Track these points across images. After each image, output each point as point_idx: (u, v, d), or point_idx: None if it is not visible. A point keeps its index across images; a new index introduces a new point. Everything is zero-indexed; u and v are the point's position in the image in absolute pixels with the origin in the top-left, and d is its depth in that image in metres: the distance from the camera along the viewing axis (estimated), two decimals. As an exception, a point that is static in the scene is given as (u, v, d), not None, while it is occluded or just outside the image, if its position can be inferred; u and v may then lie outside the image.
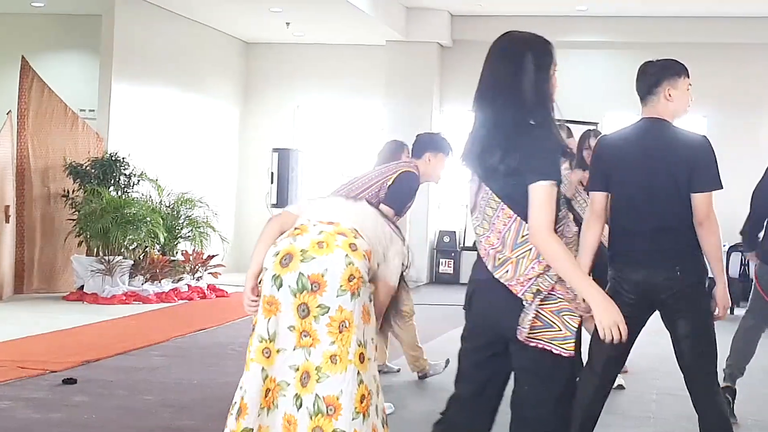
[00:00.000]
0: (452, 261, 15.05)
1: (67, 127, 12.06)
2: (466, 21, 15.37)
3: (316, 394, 3.50)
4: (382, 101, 15.27)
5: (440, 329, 9.36)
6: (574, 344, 3.09)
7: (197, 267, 12.04)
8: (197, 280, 12.02)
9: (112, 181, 11.63)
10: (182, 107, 14.19)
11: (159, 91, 13.66)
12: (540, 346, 3.07)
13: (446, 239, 15.07)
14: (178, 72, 14.11)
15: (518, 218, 3.08)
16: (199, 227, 12.28)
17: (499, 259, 3.09)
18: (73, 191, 11.55)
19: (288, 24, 14.39)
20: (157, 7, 13.21)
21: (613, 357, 4.27)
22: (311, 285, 3.53)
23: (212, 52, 15.30)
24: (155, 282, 11.43)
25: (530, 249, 3.06)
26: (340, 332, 3.53)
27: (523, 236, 3.07)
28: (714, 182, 4.16)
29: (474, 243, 3.24)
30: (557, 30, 15.17)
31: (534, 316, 3.03)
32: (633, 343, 4.25)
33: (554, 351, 3.07)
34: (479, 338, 3.22)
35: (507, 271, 3.07)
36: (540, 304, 3.05)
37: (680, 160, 4.15)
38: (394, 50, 15.19)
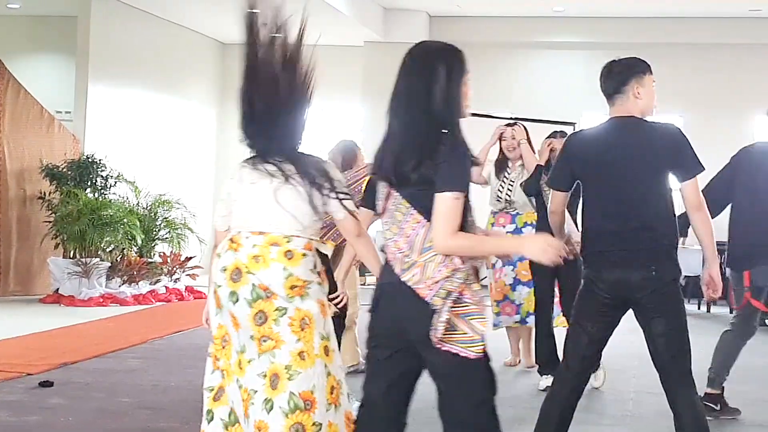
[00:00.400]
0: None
1: (44, 128, 11.99)
2: (445, 22, 15.39)
3: (291, 392, 3.56)
4: (360, 102, 15.27)
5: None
6: (483, 347, 3.09)
7: (175, 269, 12.00)
8: (175, 281, 11.98)
9: (89, 183, 11.58)
10: (159, 108, 14.13)
11: (135, 92, 13.60)
12: (450, 349, 3.07)
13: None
14: (154, 73, 14.05)
15: (427, 223, 3.11)
16: (176, 229, 12.24)
17: (407, 263, 3.11)
18: (50, 193, 11.49)
19: (264, 24, 14.34)
20: (133, 8, 13.15)
21: (587, 356, 4.28)
22: (264, 293, 3.61)
23: (189, 53, 15.25)
24: (132, 284, 11.38)
25: (437, 252, 3.09)
26: (302, 330, 3.61)
27: (431, 241, 3.10)
28: (697, 166, 4.21)
29: (388, 240, 3.23)
30: (535, 31, 15.27)
31: (446, 318, 3.04)
32: (606, 341, 4.28)
33: (461, 354, 3.07)
34: (386, 341, 3.20)
35: (414, 275, 3.08)
36: (450, 307, 3.05)
37: (661, 154, 4.18)
38: (372, 51, 15.19)
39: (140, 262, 11.61)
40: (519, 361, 7.61)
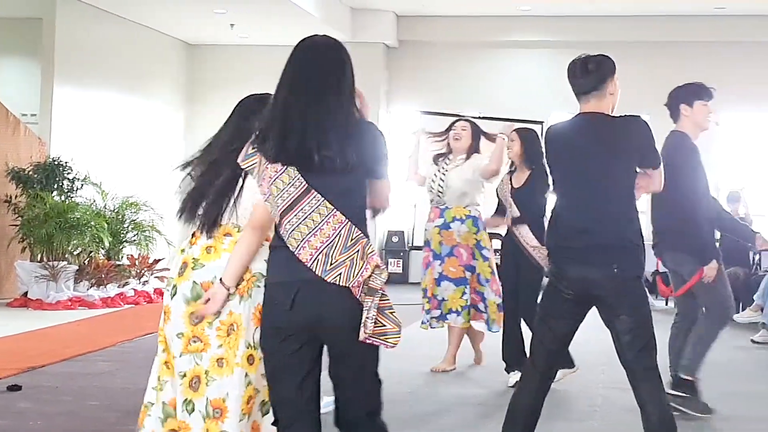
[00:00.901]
0: (401, 260, 15.10)
1: (9, 131, 11.88)
2: (412, 21, 15.43)
3: (207, 398, 3.57)
4: (329, 102, 15.25)
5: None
6: (400, 338, 3.23)
7: (143, 271, 11.95)
8: (143, 284, 11.92)
9: (56, 186, 11.50)
10: (125, 110, 14.07)
11: (101, 94, 13.53)
12: (373, 342, 3.18)
13: (395, 239, 15.12)
14: (120, 75, 13.98)
15: (349, 222, 3.17)
16: (144, 231, 12.19)
17: (331, 263, 3.15)
18: (16, 196, 11.40)
19: (232, 25, 14.33)
20: (99, 9, 13.07)
21: (553, 351, 4.32)
22: (204, 292, 3.59)
23: (155, 55, 15.18)
24: (101, 287, 11.32)
25: (358, 251, 3.15)
26: (228, 335, 3.58)
27: (352, 239, 3.16)
28: (657, 158, 4.33)
29: (298, 240, 3.21)
30: (501, 29, 15.35)
31: (374, 315, 3.14)
32: (572, 337, 4.32)
33: (382, 345, 3.20)
34: (296, 335, 3.23)
35: (340, 274, 3.13)
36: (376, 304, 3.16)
37: (630, 150, 4.25)
38: (340, 51, 15.17)
39: (108, 264, 11.55)
40: (453, 368, 7.29)
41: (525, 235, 6.67)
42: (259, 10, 13.49)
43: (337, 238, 3.16)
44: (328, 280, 3.13)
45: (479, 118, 14.58)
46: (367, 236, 3.21)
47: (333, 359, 3.28)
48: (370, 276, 3.15)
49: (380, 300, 3.18)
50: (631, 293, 4.17)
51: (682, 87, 5.99)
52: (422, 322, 7.23)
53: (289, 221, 3.19)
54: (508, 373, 6.77)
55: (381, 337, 3.19)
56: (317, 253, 3.15)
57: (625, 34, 14.82)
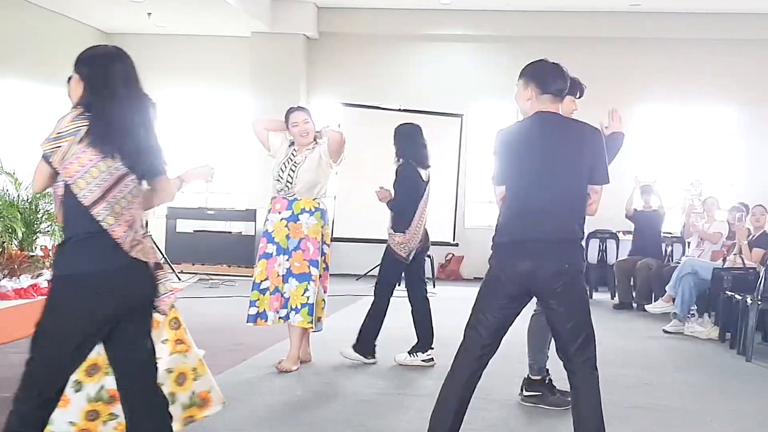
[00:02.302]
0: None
1: None
2: (333, 13, 15.40)
3: (193, 392, 4.28)
4: (249, 93, 15.17)
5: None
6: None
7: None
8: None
9: (-33, 176, 11.24)
10: (38, 99, 13.77)
11: (14, 83, 13.24)
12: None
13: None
14: (34, 63, 13.68)
15: (140, 205, 3.65)
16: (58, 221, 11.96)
17: (131, 242, 3.55)
18: (-74, 186, 11.11)
19: (149, 14, 14.14)
20: (13, -5, 12.81)
21: (488, 344, 4.39)
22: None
23: (69, 43, 14.89)
24: (13, 278, 11.05)
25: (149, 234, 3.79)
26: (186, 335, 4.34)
27: (142, 218, 3.68)
28: (605, 178, 4.47)
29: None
30: (423, 23, 15.41)
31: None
32: (507, 330, 4.41)
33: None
34: (114, 316, 3.57)
35: (140, 250, 3.56)
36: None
37: (586, 152, 4.36)
38: (260, 42, 15.10)
39: (21, 255, 11.29)
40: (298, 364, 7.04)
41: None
42: (179, 0, 13.33)
43: (137, 220, 3.61)
44: (135, 257, 3.57)
45: (399, 110, 14.71)
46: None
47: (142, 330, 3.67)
48: (155, 251, 3.73)
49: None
50: (576, 287, 4.28)
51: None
52: (248, 320, 6.84)
53: (98, 212, 3.55)
54: (355, 352, 7.33)
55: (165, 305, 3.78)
56: (124, 236, 3.55)
57: (543, 29, 15.01)
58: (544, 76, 4.51)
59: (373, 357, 7.35)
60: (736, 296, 8.51)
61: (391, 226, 7.47)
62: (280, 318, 6.80)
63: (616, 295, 11.82)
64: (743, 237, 9.49)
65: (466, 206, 15.40)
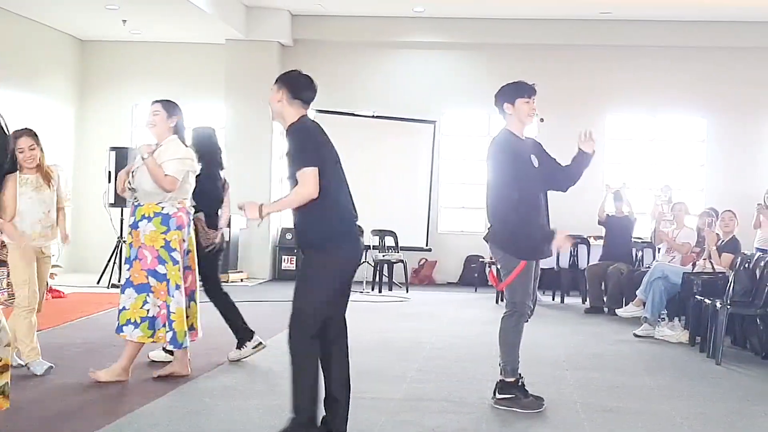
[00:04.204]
0: (295, 257, 15.11)
1: None
2: (307, 21, 15.46)
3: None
4: (223, 100, 15.20)
5: (284, 324, 9.41)
6: None
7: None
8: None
9: (-60, 182, 11.18)
10: (15, 105, 13.73)
11: (-11, 89, 13.21)
12: None
13: (288, 236, 15.13)
14: (10, 70, 13.66)
15: None
16: (34, 228, 11.92)
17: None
18: None
19: (124, 21, 14.15)
20: (-13, 3, 12.78)
21: (340, 327, 4.97)
22: None
23: (46, 50, 14.88)
24: (-9, 283, 11.04)
25: None
26: None
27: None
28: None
29: None
30: (396, 30, 15.51)
31: None
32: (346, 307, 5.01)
33: None
34: None
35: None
36: None
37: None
38: (234, 49, 15.14)
39: (-4, 262, 11.27)
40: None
41: (202, 220, 7.29)
42: (151, 6, 13.35)
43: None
44: None
45: (373, 117, 14.79)
46: None
47: None
48: None
49: None
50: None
51: (504, 86, 6.09)
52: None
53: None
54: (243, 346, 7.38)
55: None
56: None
57: (515, 37, 15.15)
58: (532, 94, 5.15)
59: (255, 338, 7.46)
60: (706, 300, 8.63)
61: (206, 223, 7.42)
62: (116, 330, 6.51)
63: (588, 299, 11.93)
64: (713, 242, 9.63)
65: (439, 211, 15.49)
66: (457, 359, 7.71)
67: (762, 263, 8.40)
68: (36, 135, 7.16)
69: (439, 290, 14.32)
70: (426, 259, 15.41)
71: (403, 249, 14.06)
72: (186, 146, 6.73)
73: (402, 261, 13.89)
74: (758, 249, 11.32)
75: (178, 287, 6.43)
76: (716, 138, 15.34)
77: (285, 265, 15.26)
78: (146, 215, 6.45)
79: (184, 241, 6.54)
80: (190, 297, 6.72)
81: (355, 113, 14.85)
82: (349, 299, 5.06)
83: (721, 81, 15.21)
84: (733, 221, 9.85)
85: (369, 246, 13.81)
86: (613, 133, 15.54)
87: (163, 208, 6.45)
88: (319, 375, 4.84)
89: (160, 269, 6.39)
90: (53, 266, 11.83)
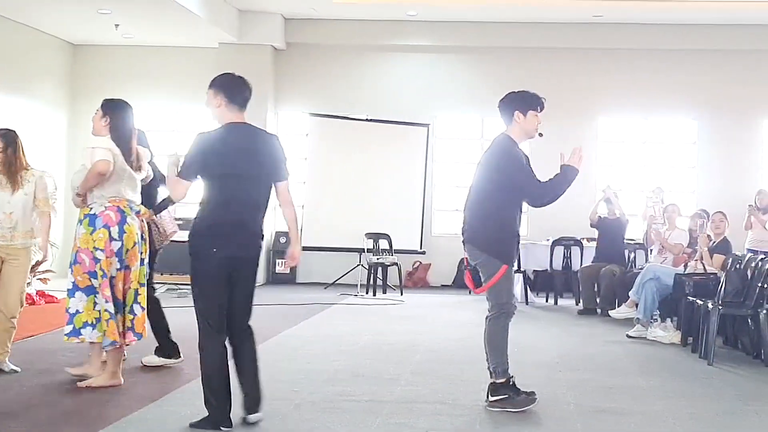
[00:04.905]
0: (289, 261, 15.10)
1: None
2: (299, 24, 15.48)
3: None
4: (216, 104, 15.19)
5: (278, 328, 9.48)
6: None
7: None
8: (27, 285, 11.65)
9: (-67, 187, 11.16)
10: (6, 110, 13.75)
11: (-18, 93, 13.21)
12: None
13: (282, 240, 15.14)
14: (1, 75, 13.66)
15: None
16: (27, 233, 11.90)
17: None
18: None
19: (117, 26, 14.14)
20: (-21, 7, 12.78)
21: (224, 321, 5.22)
22: None
23: (38, 54, 14.88)
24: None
25: None
26: None
27: None
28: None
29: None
30: (390, 34, 15.54)
31: None
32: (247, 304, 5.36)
33: None
34: None
35: None
36: None
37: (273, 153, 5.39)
38: (227, 53, 15.15)
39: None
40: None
41: (157, 220, 7.49)
42: (144, 11, 13.35)
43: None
44: None
45: (367, 120, 14.82)
46: None
47: None
48: None
49: None
50: (256, 267, 5.42)
51: (518, 94, 6.16)
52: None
53: None
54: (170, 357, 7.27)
55: None
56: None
57: (507, 40, 15.19)
58: (232, 87, 5.45)
59: (178, 356, 7.34)
60: (698, 301, 8.67)
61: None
62: (65, 335, 6.49)
63: (581, 300, 11.96)
64: (704, 244, 9.68)
65: (433, 214, 15.52)
66: (451, 361, 7.75)
67: (753, 264, 8.44)
68: (12, 137, 7.19)
69: (434, 293, 14.35)
70: (420, 262, 15.43)
71: (397, 252, 14.08)
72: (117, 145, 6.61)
73: (396, 264, 13.90)
74: (749, 250, 11.38)
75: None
76: (707, 140, 15.39)
77: (279, 269, 15.26)
78: (80, 219, 6.50)
79: (113, 239, 6.41)
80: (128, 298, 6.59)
81: (349, 116, 14.87)
82: (250, 296, 5.40)
83: (712, 83, 15.27)
84: (723, 223, 9.89)
85: (363, 249, 13.84)
86: (606, 136, 15.59)
87: (91, 209, 6.44)
88: (227, 368, 5.25)
89: (95, 269, 6.38)
90: (46, 271, 11.89)
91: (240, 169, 5.21)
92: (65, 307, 6.51)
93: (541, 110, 6.11)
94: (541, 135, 6.17)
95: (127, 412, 5.67)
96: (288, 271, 15.13)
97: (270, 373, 7.03)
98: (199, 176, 5.23)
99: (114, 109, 6.79)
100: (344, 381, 6.92)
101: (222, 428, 5.18)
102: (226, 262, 5.18)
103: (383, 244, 14.03)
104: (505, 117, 6.13)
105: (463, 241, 6.18)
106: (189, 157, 5.24)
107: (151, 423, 5.47)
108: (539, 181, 6.00)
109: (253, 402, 5.35)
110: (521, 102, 6.10)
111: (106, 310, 6.37)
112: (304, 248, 14.78)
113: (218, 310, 5.20)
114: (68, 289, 6.48)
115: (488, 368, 6.09)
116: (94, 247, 6.36)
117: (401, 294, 13.66)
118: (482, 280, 6.07)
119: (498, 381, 6.02)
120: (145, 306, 6.68)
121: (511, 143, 6.04)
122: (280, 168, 5.38)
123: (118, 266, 6.43)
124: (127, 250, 6.47)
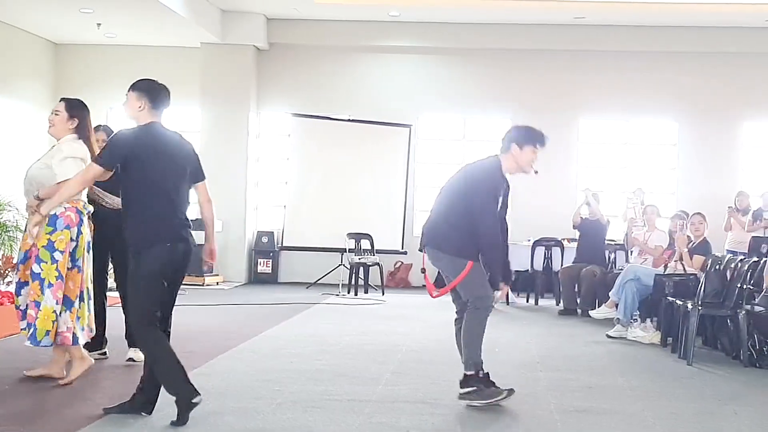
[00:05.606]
0: (270, 261, 15.13)
1: None
2: (283, 24, 15.49)
3: None
4: (199, 104, 15.19)
5: (260, 327, 9.48)
6: None
7: (7, 271, 11.68)
8: (7, 284, 11.65)
9: None
10: (-12, 109, 13.73)
11: (-37, 92, 13.16)
12: None
13: (264, 239, 15.14)
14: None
15: None
16: (7, 231, 11.92)
17: None
18: None
19: (99, 25, 14.11)
20: (-40, 5, 12.73)
21: (166, 302, 5.42)
22: None
23: (19, 53, 14.83)
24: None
25: None
26: None
27: None
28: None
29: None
30: (372, 35, 15.56)
31: None
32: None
33: None
34: None
35: None
36: None
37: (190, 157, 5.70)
38: (210, 52, 15.14)
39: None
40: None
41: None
42: (126, 10, 13.33)
43: None
44: None
45: (349, 120, 14.84)
46: None
47: None
48: None
49: None
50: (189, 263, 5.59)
51: (522, 127, 6.34)
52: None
53: None
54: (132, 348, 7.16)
55: None
56: None
57: (490, 41, 15.24)
58: (158, 94, 5.59)
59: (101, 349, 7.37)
60: (678, 302, 8.73)
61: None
62: (22, 330, 6.48)
63: (561, 301, 12.02)
64: (683, 245, 9.74)
65: (415, 215, 15.55)
66: (432, 361, 7.77)
67: (732, 265, 8.51)
68: None
69: (415, 293, 14.36)
70: (402, 262, 15.46)
71: (379, 252, 14.10)
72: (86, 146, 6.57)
73: (378, 264, 13.93)
74: (729, 251, 11.46)
75: (50, 285, 6.29)
76: (688, 142, 15.50)
77: (261, 269, 15.25)
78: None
79: (73, 240, 6.40)
80: (80, 297, 6.52)
81: (331, 117, 14.89)
82: (176, 294, 5.58)
83: (692, 85, 15.38)
84: (702, 224, 9.95)
85: (345, 249, 13.86)
86: (587, 137, 15.67)
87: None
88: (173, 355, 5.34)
89: (35, 268, 6.30)
90: None
91: (171, 166, 5.51)
92: (15, 304, 6.52)
93: (540, 147, 6.20)
94: (536, 172, 6.26)
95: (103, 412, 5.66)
96: (269, 270, 15.11)
97: (252, 373, 7.05)
98: (126, 170, 5.36)
99: (81, 110, 6.82)
100: (326, 380, 6.93)
101: (193, 402, 5.29)
102: (172, 257, 5.44)
103: (365, 244, 14.05)
104: (503, 144, 6.27)
105: (422, 246, 6.28)
106: (115, 147, 5.42)
107: (131, 419, 5.46)
108: (494, 218, 6.06)
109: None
110: (522, 135, 6.25)
111: (53, 311, 6.31)
112: (287, 248, 14.82)
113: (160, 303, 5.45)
114: (16, 287, 6.48)
115: (461, 360, 6.16)
116: (48, 247, 6.29)
117: (383, 294, 13.69)
118: (447, 281, 6.18)
119: (468, 373, 6.10)
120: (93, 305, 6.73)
121: (496, 169, 6.14)
122: (200, 168, 5.76)
123: (70, 265, 6.41)
124: (81, 250, 6.48)
